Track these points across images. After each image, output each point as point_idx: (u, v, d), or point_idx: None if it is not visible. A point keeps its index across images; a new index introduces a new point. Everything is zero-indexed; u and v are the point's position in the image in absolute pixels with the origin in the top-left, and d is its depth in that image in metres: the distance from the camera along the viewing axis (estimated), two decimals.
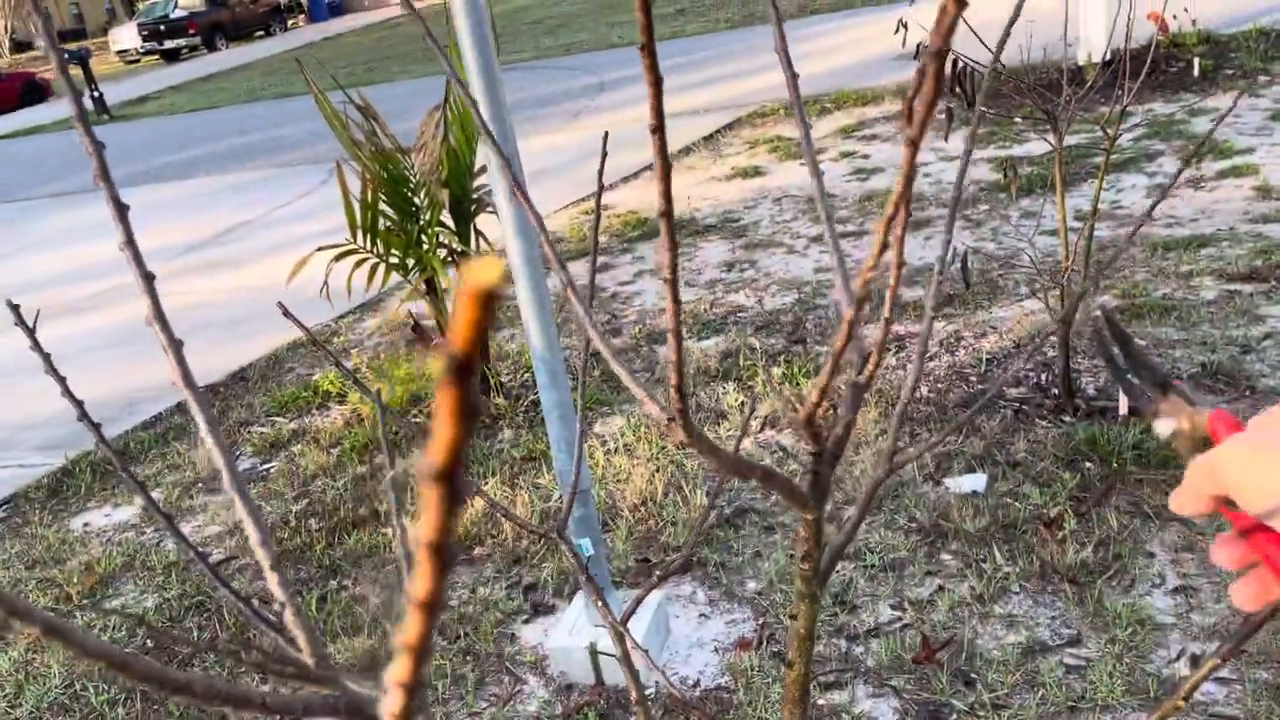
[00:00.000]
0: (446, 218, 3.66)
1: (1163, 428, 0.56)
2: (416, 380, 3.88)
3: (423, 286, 3.72)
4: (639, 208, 6.00)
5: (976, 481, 2.76)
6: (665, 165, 0.43)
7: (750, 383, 3.54)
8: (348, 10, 32.90)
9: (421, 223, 3.63)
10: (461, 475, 0.18)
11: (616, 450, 3.22)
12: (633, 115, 8.47)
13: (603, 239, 5.60)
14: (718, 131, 7.41)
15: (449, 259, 3.65)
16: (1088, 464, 2.74)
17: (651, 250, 5.28)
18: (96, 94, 17.96)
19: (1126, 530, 2.48)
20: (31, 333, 0.64)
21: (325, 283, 3.53)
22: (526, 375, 3.91)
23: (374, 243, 3.59)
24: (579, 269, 5.18)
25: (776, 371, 3.54)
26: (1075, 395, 3.03)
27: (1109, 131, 2.77)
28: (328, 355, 0.77)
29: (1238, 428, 0.54)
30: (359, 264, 3.60)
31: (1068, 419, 2.96)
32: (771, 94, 8.01)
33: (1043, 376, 3.20)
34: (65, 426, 4.23)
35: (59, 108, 21.65)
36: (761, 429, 3.26)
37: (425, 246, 3.64)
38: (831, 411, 0.55)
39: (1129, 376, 0.60)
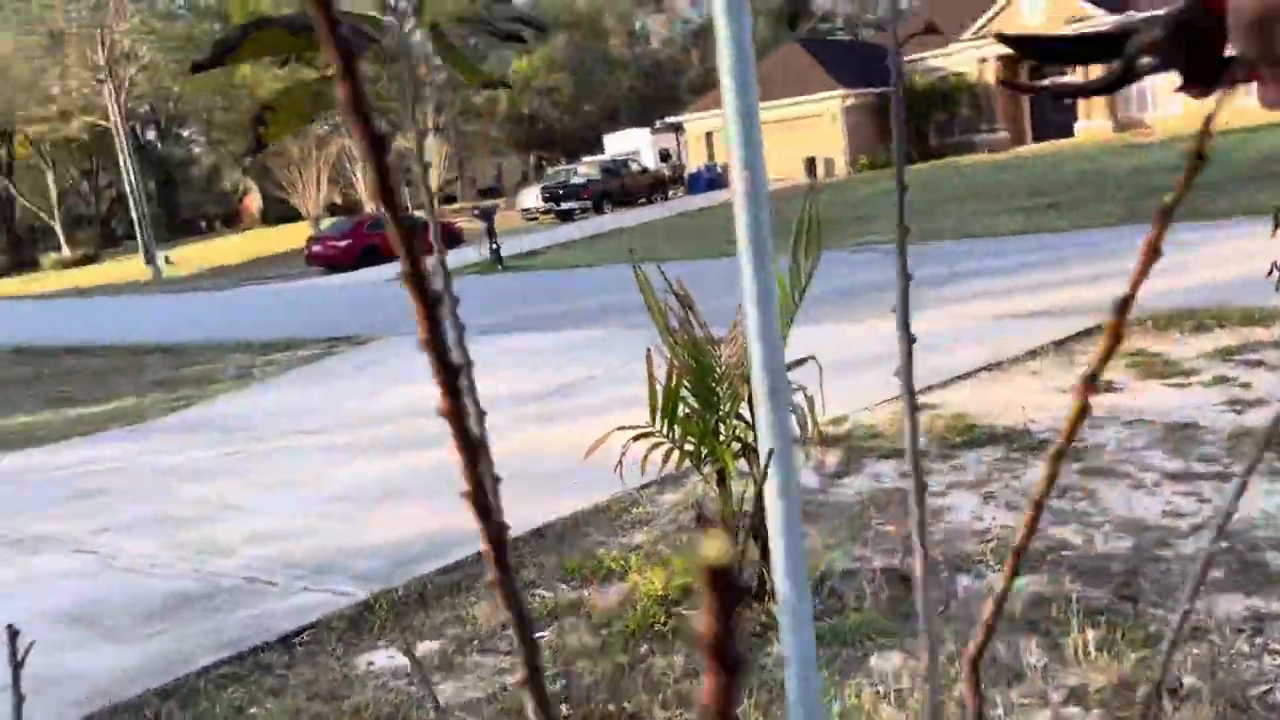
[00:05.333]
0: (745, 410, 3.60)
1: None
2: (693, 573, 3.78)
3: (714, 477, 3.66)
4: (969, 411, 5.62)
5: None
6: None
7: (1059, 640, 3.07)
8: (723, 185, 35.11)
9: (720, 413, 3.60)
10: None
11: (886, 697, 2.89)
12: (977, 310, 8.11)
13: (921, 441, 5.29)
14: (1072, 337, 6.86)
15: (740, 453, 3.57)
16: None
17: (975, 460, 4.89)
18: (495, 246, 20.26)
19: None
20: None
21: (620, 461, 3.57)
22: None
23: (671, 428, 3.59)
24: (887, 468, 4.90)
25: (1093, 635, 3.05)
26: None
27: None
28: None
29: None
30: (654, 447, 3.62)
31: None
32: (1142, 301, 7.33)
33: None
34: (384, 560, 4.55)
35: (464, 255, 24.69)
36: (1065, 702, 2.79)
37: (721, 437, 3.59)
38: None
39: None
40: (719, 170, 37.34)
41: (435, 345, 0.31)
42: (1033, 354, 6.60)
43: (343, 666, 3.56)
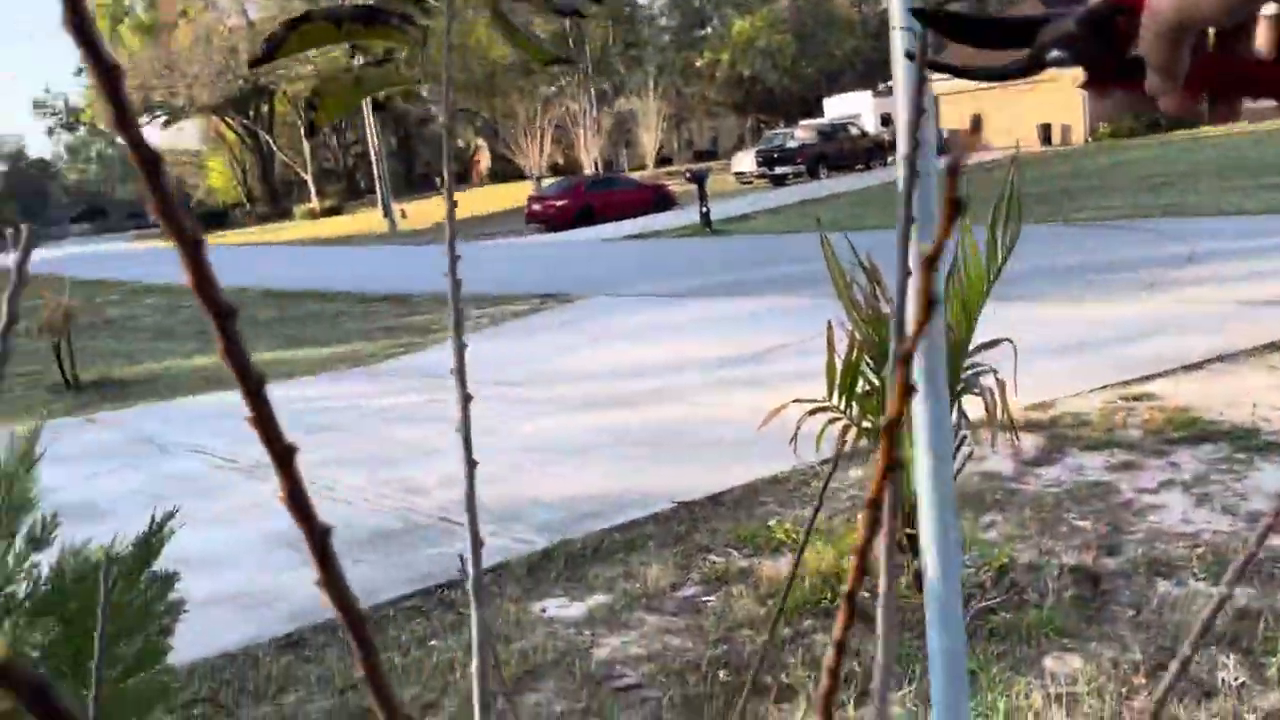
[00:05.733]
0: None
1: None
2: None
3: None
4: (1192, 404, 5.19)
5: None
6: None
7: (1261, 659, 2.81)
8: (945, 152, 33.64)
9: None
10: None
11: (1056, 700, 2.74)
12: (1214, 295, 7.43)
13: (1135, 433, 4.93)
14: None
15: None
16: None
17: (1193, 458, 4.52)
18: (705, 210, 20.33)
19: None
20: None
21: (795, 435, 3.53)
22: (970, 575, 3.52)
23: (849, 404, 3.51)
24: (1092, 460, 4.61)
25: None
26: None
27: None
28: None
29: None
30: (831, 422, 3.55)
31: None
32: None
33: None
34: (564, 512, 4.72)
35: (676, 217, 24.92)
36: None
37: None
38: None
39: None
40: (944, 135, 35.82)
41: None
42: (1272, 346, 5.99)
43: (518, 610, 3.73)
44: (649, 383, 7.30)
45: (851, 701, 2.87)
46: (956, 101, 34.81)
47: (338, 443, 6.63)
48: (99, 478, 6.03)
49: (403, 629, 3.66)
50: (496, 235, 28.26)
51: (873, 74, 47.51)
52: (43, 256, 42.11)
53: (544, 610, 3.74)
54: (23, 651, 1.80)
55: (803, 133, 33.19)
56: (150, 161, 0.27)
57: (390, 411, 7.53)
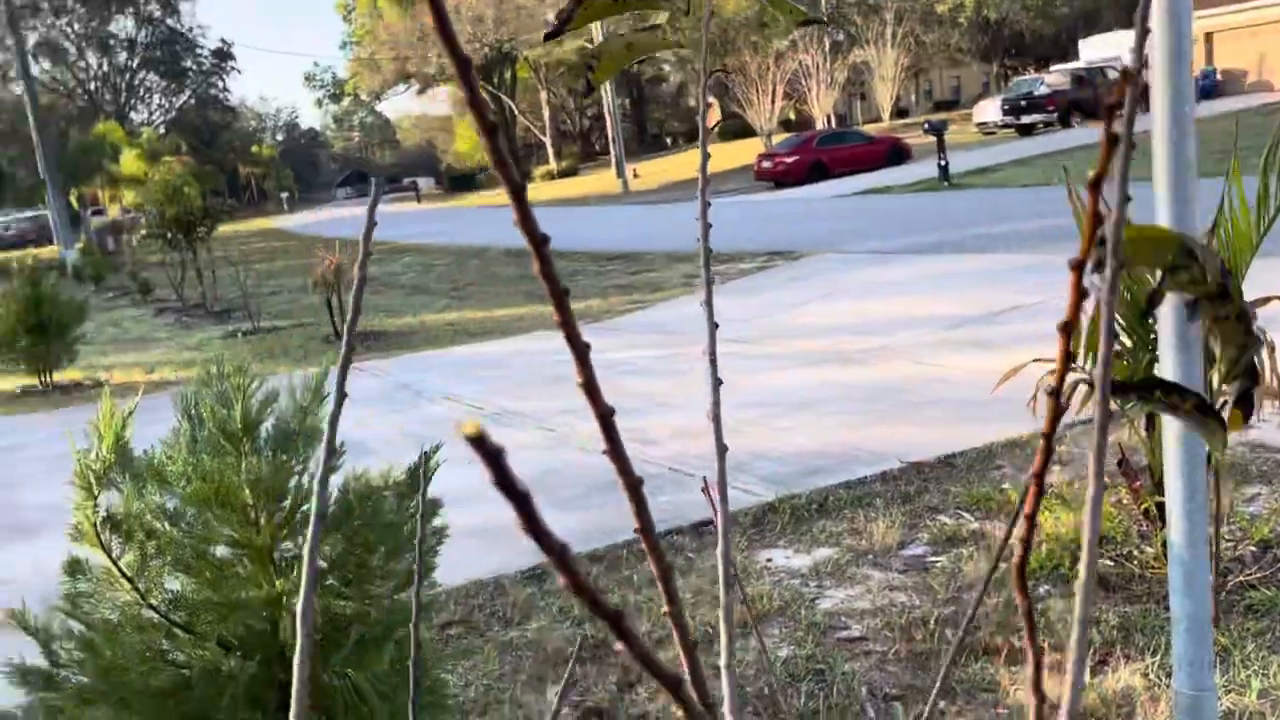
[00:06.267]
0: None
1: None
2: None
3: (1142, 422, 3.38)
4: None
5: None
6: None
7: None
8: (1220, 94, 30.58)
9: (1154, 354, 3.29)
10: None
11: None
12: None
13: None
14: None
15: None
16: None
17: None
18: (943, 162, 19.54)
19: None
20: None
21: (1034, 397, 3.42)
22: (1239, 549, 3.29)
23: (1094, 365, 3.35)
24: None
25: None
26: None
27: None
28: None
29: None
30: (1076, 384, 3.40)
31: None
32: None
33: None
34: (790, 467, 4.77)
35: (911, 171, 24.08)
36: None
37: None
38: None
39: None
40: (1216, 76, 32.58)
41: (569, 332, 0.40)
42: None
43: (743, 559, 3.83)
44: (876, 340, 7.19)
45: (1086, 669, 2.78)
46: (1235, 38, 31.54)
47: (574, 393, 6.95)
48: (366, 420, 6.63)
49: (635, 569, 3.85)
50: (724, 193, 28.34)
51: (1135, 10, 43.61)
52: (314, 219, 46.12)
53: (770, 560, 3.83)
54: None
55: (1054, 78, 31.07)
56: (489, 129, 0.35)
57: (623, 365, 7.81)
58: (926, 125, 22.08)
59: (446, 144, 74.83)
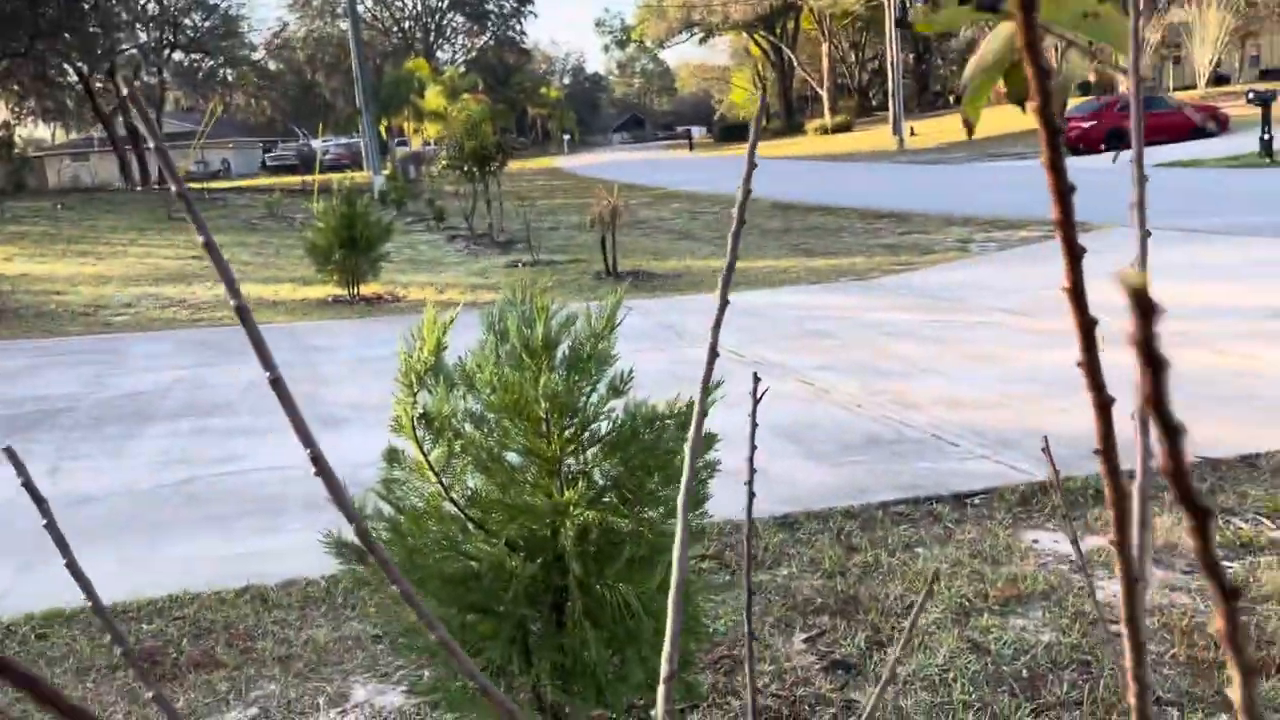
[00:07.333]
0: None
1: None
2: None
3: None
4: None
5: None
6: None
7: None
8: None
9: None
10: None
11: None
12: None
13: None
14: None
15: None
16: None
17: None
18: (1266, 136, 17.55)
19: None
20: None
21: None
22: None
23: None
24: None
25: None
26: None
27: None
28: None
29: None
30: None
31: None
32: None
33: None
34: (1065, 448, 4.48)
35: (1231, 143, 21.72)
36: None
37: None
38: None
39: None
40: None
41: (1067, 233, 0.39)
42: None
43: (1008, 536, 3.68)
44: (1172, 325, 6.56)
45: None
46: None
47: (834, 349, 6.89)
48: (635, 354, 6.87)
49: (889, 531, 3.79)
50: (1010, 157, 26.76)
51: None
52: (592, 161, 47.76)
53: (1035, 541, 3.66)
54: (595, 482, 2.18)
55: None
56: (1041, 76, 0.35)
57: (884, 326, 7.62)
58: (1250, 94, 19.79)
59: (723, 93, 75.00)
